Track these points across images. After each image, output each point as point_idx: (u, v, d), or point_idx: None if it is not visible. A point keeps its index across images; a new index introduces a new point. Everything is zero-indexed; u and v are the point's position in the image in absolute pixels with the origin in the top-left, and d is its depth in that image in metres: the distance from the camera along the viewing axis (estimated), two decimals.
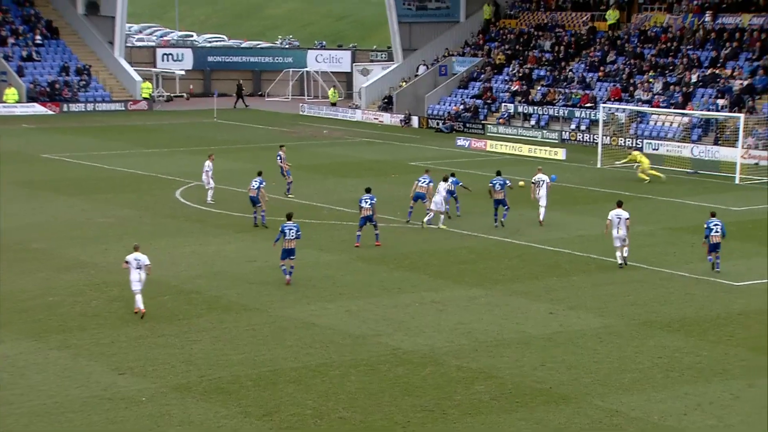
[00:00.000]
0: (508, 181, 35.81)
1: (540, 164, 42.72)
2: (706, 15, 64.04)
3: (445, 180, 35.72)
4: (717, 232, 29.62)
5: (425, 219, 35.49)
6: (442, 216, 35.58)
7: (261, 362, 22.14)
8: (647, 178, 46.10)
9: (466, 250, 32.71)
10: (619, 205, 30.93)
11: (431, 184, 35.63)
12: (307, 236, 32.85)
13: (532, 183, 37.15)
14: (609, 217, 30.66)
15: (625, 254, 30.77)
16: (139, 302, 25.12)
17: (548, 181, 36.79)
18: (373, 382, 21.12)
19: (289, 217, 28.50)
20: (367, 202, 32.34)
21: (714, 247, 29.78)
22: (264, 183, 35.65)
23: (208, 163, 39.89)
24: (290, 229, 27.88)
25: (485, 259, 31.60)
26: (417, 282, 28.87)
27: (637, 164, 47.16)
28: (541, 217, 36.34)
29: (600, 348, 23.37)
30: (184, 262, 30.82)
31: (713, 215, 30.16)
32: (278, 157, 41.88)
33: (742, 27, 62.10)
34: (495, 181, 35.75)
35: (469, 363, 22.22)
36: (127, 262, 25.28)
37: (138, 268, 25.11)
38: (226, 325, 24.73)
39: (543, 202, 36.45)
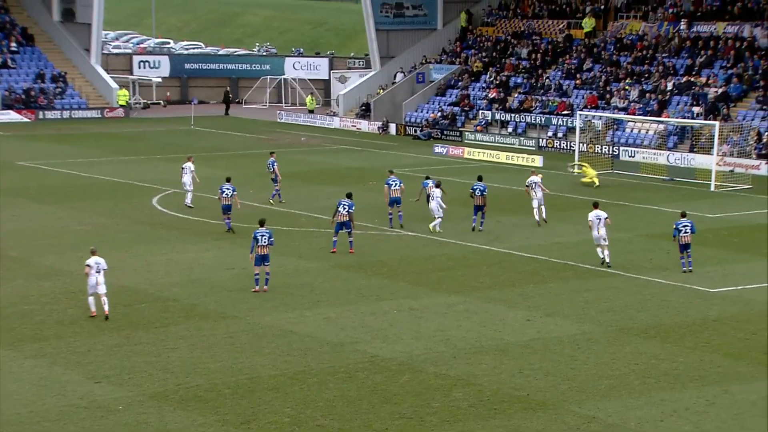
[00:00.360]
0: (485, 190, 35.87)
1: (517, 171, 42.78)
2: (681, 23, 64.43)
3: (438, 186, 35.83)
4: (686, 232, 29.97)
5: (432, 225, 35.55)
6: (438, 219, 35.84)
7: (239, 370, 22.09)
8: (589, 182, 46.60)
9: (444, 257, 32.74)
10: (596, 206, 31.55)
11: (402, 185, 35.87)
12: (286, 244, 32.86)
13: (527, 186, 37.34)
14: (589, 218, 31.14)
15: (607, 258, 31.15)
16: (92, 305, 25.31)
17: (539, 182, 37.09)
18: (351, 389, 21.11)
19: (261, 224, 28.44)
20: (345, 208, 32.30)
21: (684, 248, 30.17)
22: (235, 189, 35.64)
23: (188, 165, 39.83)
24: (262, 236, 27.81)
25: (463, 267, 31.64)
26: (395, 289, 28.88)
27: (582, 174, 47.75)
28: (544, 215, 37.00)
29: (577, 355, 23.45)
30: (161, 269, 30.72)
31: (683, 216, 30.51)
32: (272, 164, 41.21)
33: (716, 35, 62.48)
34: (476, 187, 35.85)
35: (447, 370, 22.24)
36: (89, 266, 25.31)
37: (98, 272, 25.28)
38: (203, 332, 24.66)
39: (543, 208, 36.88)
